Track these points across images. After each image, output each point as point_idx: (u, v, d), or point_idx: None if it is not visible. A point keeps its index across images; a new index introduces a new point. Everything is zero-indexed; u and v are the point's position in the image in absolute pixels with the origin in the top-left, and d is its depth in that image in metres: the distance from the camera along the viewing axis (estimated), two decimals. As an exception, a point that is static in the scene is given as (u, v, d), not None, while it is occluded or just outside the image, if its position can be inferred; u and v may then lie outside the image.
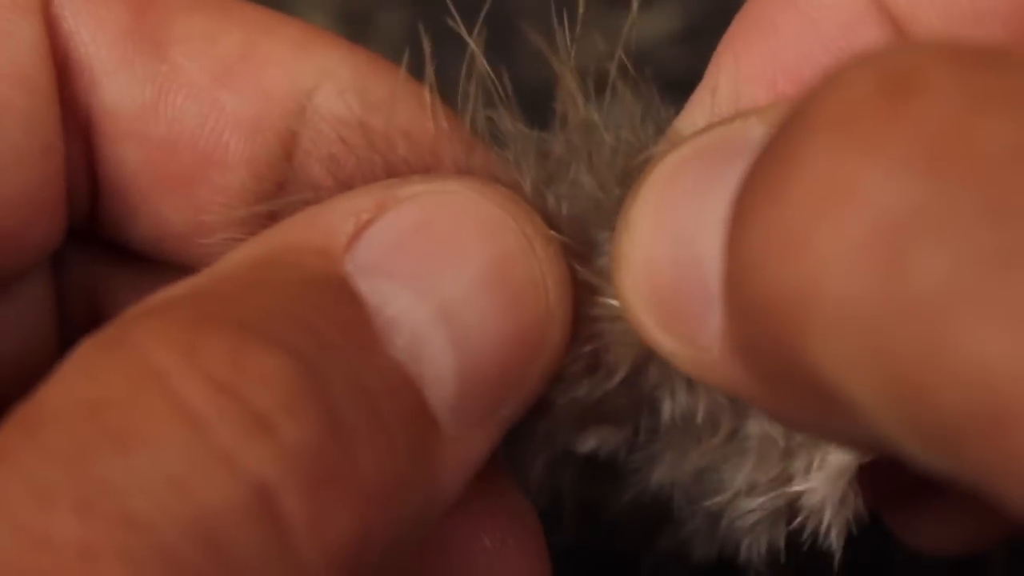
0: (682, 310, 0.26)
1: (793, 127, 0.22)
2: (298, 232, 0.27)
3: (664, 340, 0.27)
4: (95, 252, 0.34)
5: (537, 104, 0.31)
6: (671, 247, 0.26)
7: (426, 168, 0.29)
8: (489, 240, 0.28)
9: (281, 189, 0.30)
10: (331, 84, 0.30)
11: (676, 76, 0.30)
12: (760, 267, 0.22)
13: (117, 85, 0.31)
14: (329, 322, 0.25)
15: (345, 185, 0.29)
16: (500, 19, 0.30)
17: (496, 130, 0.30)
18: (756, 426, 0.30)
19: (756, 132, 0.26)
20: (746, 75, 0.29)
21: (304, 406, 0.24)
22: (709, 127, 0.28)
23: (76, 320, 0.34)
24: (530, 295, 0.28)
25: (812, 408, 0.23)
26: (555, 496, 0.32)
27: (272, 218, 0.29)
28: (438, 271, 0.27)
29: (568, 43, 0.29)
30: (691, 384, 0.29)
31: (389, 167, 0.29)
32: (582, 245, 0.29)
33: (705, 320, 0.26)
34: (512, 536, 0.31)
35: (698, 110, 0.29)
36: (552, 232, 0.28)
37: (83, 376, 0.24)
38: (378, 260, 0.27)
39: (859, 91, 0.21)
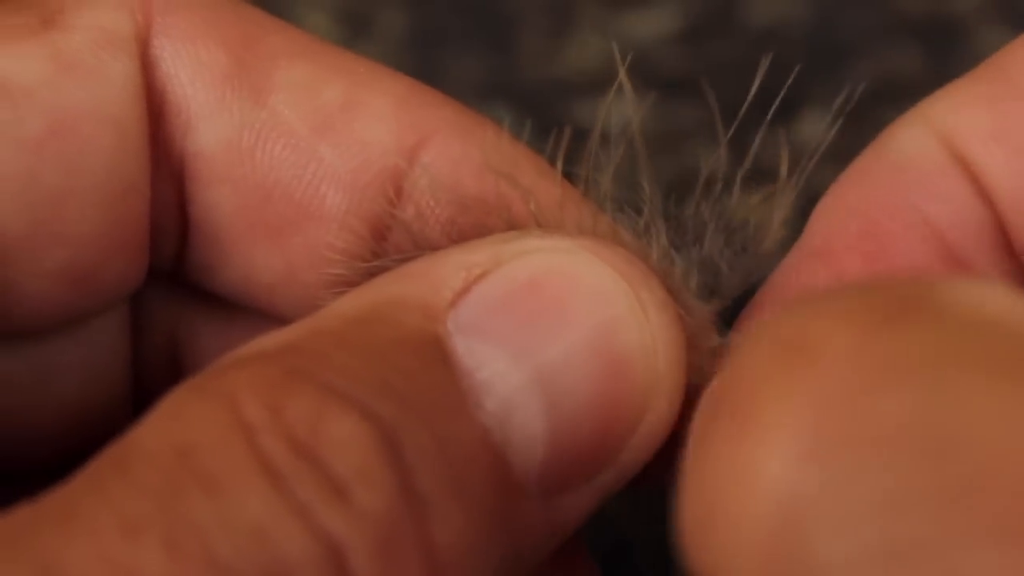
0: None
1: (704, 408, 0.23)
2: (405, 285, 0.27)
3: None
4: (179, 295, 0.33)
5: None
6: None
7: (549, 224, 0.29)
8: (598, 304, 0.27)
9: (380, 245, 0.30)
10: (438, 142, 0.30)
11: (676, 76, 0.30)
12: (687, 538, 0.23)
13: (214, 129, 0.30)
14: (415, 387, 0.25)
15: (456, 242, 0.29)
16: (500, 19, 0.30)
17: (625, 192, 0.29)
18: None
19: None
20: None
21: (379, 473, 0.24)
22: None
23: (153, 362, 0.34)
24: (637, 362, 0.27)
25: None
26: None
27: (369, 275, 0.29)
28: (540, 334, 0.27)
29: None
30: None
31: (510, 222, 0.29)
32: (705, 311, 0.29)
33: None
34: None
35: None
36: (671, 299, 0.28)
37: (175, 420, 0.24)
38: (480, 320, 0.27)
39: (756, 368, 0.22)
